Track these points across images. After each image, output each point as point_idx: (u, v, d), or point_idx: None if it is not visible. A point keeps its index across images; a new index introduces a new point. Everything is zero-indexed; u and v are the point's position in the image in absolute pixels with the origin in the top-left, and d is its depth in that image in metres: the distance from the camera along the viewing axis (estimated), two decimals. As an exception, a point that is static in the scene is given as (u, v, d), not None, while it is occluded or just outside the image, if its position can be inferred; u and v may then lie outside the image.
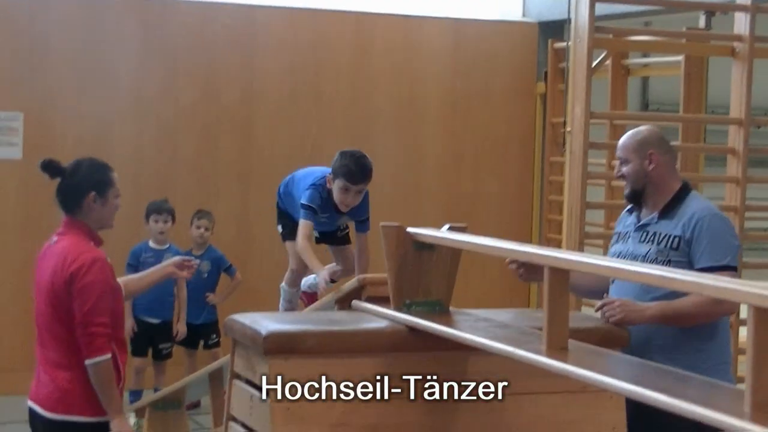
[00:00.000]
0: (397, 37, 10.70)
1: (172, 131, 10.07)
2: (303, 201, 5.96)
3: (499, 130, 11.02)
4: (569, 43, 7.81)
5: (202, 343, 9.37)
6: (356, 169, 5.86)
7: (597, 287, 5.02)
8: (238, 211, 10.18)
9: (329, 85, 10.48)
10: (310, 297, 6.37)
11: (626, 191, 4.96)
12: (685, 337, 4.73)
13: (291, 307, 6.42)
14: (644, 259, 4.74)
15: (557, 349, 3.96)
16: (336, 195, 5.90)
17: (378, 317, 4.79)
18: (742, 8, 7.69)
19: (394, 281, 4.80)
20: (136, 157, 9.85)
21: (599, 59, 7.92)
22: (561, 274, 4.01)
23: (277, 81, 10.34)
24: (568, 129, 7.61)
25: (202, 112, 10.15)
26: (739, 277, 4.75)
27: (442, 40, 10.87)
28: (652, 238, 4.80)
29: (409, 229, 4.83)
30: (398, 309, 4.77)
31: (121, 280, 5.23)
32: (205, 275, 9.20)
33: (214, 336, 9.27)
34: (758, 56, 7.72)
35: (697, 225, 4.69)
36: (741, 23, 7.70)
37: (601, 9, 9.24)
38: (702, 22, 8.82)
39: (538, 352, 3.95)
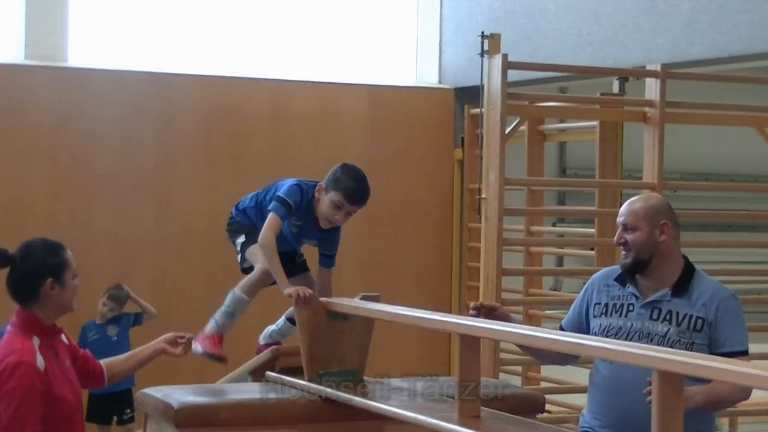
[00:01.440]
0: (313, 105, 10.80)
1: (88, 200, 10.05)
2: (280, 193, 5.26)
3: (417, 196, 11.12)
4: (483, 109, 7.93)
5: (115, 418, 9.27)
6: (359, 188, 5.26)
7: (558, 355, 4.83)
8: (155, 280, 10.15)
9: (247, 153, 10.53)
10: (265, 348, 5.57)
11: (627, 260, 4.60)
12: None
13: (230, 323, 5.32)
14: (663, 339, 4.47)
15: (469, 417, 4.03)
16: (325, 208, 5.23)
17: (293, 388, 4.83)
18: (653, 74, 7.86)
19: (307, 351, 4.86)
20: (51, 227, 9.75)
21: (513, 125, 8.04)
22: (472, 342, 4.09)
23: (194, 149, 10.37)
24: (483, 195, 7.71)
25: (118, 180, 10.15)
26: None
27: (359, 106, 10.98)
28: (668, 317, 4.51)
29: (322, 299, 4.90)
30: (312, 380, 4.82)
31: (105, 362, 4.89)
32: (115, 338, 9.11)
33: (128, 411, 9.17)
34: (669, 121, 7.88)
35: (719, 307, 4.49)
36: (651, 89, 7.87)
37: (516, 75, 9.45)
38: (616, 88, 9.02)
39: (450, 420, 4.02)
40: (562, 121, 10.16)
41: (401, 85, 11.34)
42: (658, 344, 4.38)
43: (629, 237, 4.57)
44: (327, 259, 5.41)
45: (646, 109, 7.90)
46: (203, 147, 10.38)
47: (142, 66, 10.41)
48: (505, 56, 7.58)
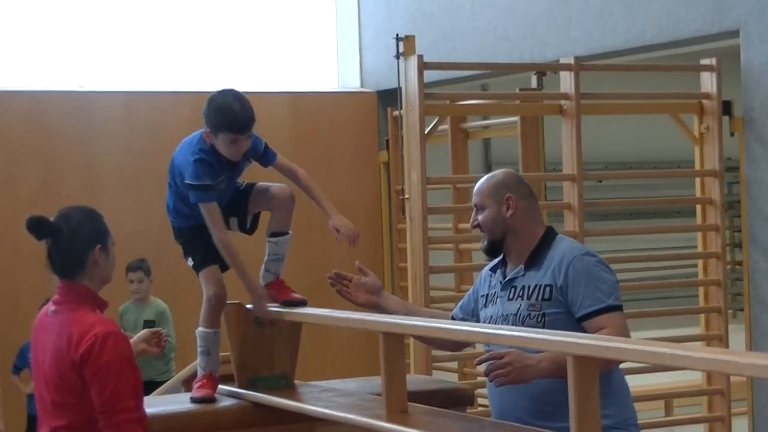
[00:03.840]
0: (236, 114, 10.87)
1: (13, 224, 10.04)
2: (190, 181, 4.84)
3: (345, 200, 11.20)
4: (401, 111, 8.07)
5: None
6: (241, 113, 4.79)
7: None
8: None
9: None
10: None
11: (483, 243, 4.46)
12: None
13: (211, 360, 4.97)
14: (516, 318, 4.28)
15: (397, 413, 4.15)
16: (224, 150, 4.82)
17: (224, 396, 4.93)
18: (566, 67, 8.01)
19: (237, 358, 4.96)
20: (-23, 251, 9.83)
21: (432, 125, 8.18)
22: (395, 339, 4.21)
23: (118, 166, 10.42)
24: (407, 196, 7.84)
25: (43, 202, 10.15)
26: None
27: (283, 114, 11.06)
28: (521, 294, 4.32)
29: (249, 306, 5.00)
30: (243, 386, 4.91)
31: None
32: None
33: None
34: (585, 113, 7.99)
35: (569, 269, 4.25)
36: (566, 82, 8.02)
37: (436, 75, 9.60)
38: (534, 83, 9.18)
39: (378, 417, 4.14)
40: (485, 119, 10.31)
41: (323, 90, 11.46)
42: (512, 324, 4.25)
43: (480, 218, 4.43)
44: (265, 156, 5.03)
45: (562, 102, 8.03)
46: (127, 163, 10.42)
47: (61, 86, 10.46)
48: (420, 57, 7.69)
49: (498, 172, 4.54)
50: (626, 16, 8.89)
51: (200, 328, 4.99)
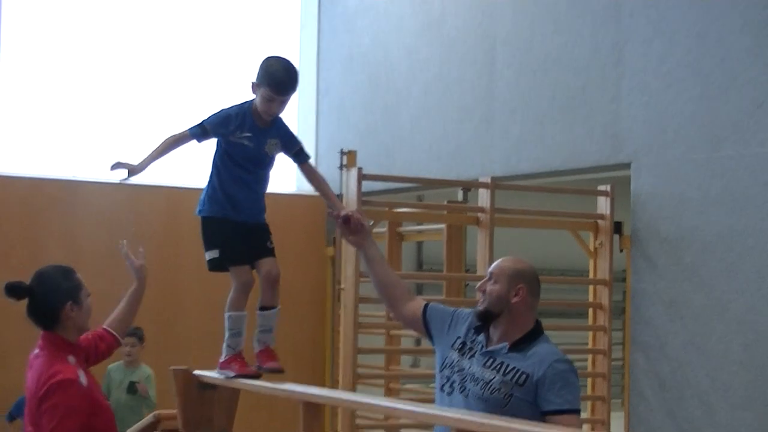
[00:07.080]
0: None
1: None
2: (203, 119, 4.94)
3: (295, 286, 11.38)
4: (341, 214, 8.26)
5: None
6: (283, 79, 4.83)
7: (390, 289, 4.82)
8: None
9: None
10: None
11: (480, 308, 4.43)
12: None
13: (241, 340, 5.04)
14: (486, 385, 4.32)
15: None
16: (260, 104, 4.86)
17: (169, 448, 5.07)
18: (485, 185, 8.27)
19: (182, 415, 5.12)
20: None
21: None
22: (314, 409, 4.39)
23: (98, 249, 10.54)
24: (342, 286, 8.04)
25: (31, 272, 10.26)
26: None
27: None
28: (498, 367, 4.35)
29: (195, 372, 5.17)
30: (185, 440, 5.07)
31: (108, 325, 4.83)
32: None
33: None
34: (498, 224, 8.22)
35: (549, 368, 4.27)
36: (483, 197, 8.28)
37: (378, 185, 9.86)
38: (461, 196, 9.44)
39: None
40: (418, 224, 10.55)
41: (283, 192, 11.71)
42: (481, 389, 4.34)
43: (489, 287, 4.43)
44: (298, 156, 5.12)
45: (479, 214, 8.28)
46: (106, 247, 10.49)
47: (55, 173, 10.66)
48: (359, 170, 7.93)
49: (524, 262, 4.54)
50: (538, 145, 9.19)
51: (229, 312, 5.01)
